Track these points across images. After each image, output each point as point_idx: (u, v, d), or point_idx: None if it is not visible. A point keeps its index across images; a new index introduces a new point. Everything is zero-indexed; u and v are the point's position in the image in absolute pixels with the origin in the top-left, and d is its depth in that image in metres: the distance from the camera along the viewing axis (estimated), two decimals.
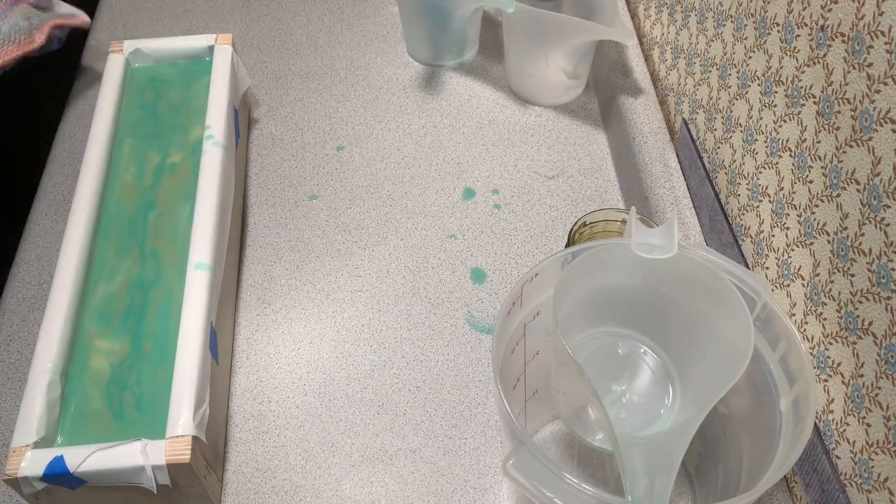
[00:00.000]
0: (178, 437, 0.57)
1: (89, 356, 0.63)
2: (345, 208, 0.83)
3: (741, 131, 0.66)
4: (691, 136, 0.76)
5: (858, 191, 0.49)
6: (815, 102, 0.54)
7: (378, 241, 0.80)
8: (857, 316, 0.49)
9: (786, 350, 0.52)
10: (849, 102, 0.49)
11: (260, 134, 0.90)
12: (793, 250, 0.58)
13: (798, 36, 0.55)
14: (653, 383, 0.60)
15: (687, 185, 0.76)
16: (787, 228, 0.58)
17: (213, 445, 0.63)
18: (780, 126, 0.59)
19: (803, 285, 0.56)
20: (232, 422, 0.68)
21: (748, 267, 0.65)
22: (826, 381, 0.54)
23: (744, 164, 0.65)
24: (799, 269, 0.57)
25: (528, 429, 0.66)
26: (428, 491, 0.64)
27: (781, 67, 0.58)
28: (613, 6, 0.81)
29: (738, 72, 0.66)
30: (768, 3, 0.60)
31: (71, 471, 0.55)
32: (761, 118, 0.62)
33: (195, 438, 0.57)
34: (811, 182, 0.54)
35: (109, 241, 0.70)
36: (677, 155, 0.78)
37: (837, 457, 0.52)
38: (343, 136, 0.90)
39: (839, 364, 0.52)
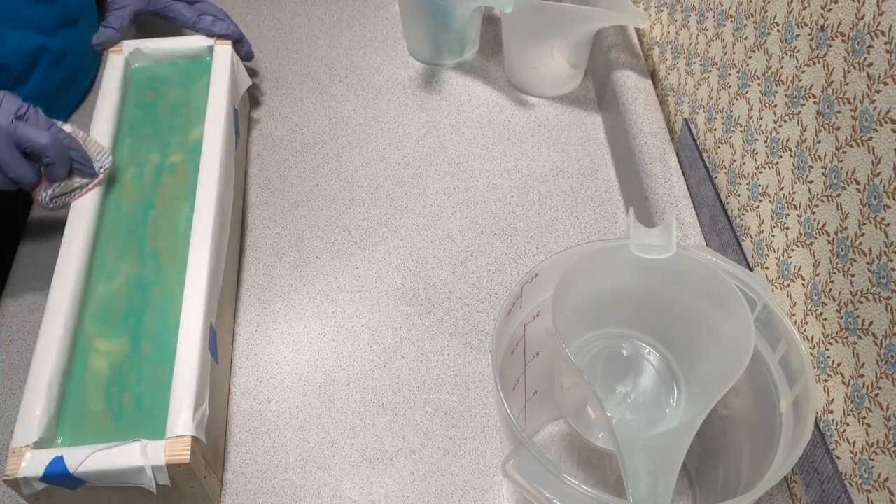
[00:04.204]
0: (177, 437, 0.57)
1: (89, 356, 0.63)
2: (345, 208, 0.83)
3: (741, 131, 0.66)
4: (692, 136, 0.75)
5: (858, 191, 0.48)
6: (815, 102, 0.54)
7: (378, 241, 0.80)
8: (858, 316, 0.49)
9: (786, 350, 0.52)
10: (849, 102, 0.49)
11: (260, 134, 0.90)
12: (793, 250, 0.57)
13: (798, 36, 0.55)
14: (658, 384, 0.60)
15: (687, 184, 0.76)
16: (788, 228, 0.58)
17: (212, 445, 0.63)
18: (781, 126, 0.59)
19: (803, 285, 0.56)
20: (232, 422, 0.68)
21: (749, 267, 0.65)
22: (826, 381, 0.54)
23: (744, 163, 0.65)
24: (799, 269, 0.57)
25: (527, 429, 0.66)
26: (428, 491, 0.64)
27: (781, 67, 0.58)
28: None
29: (738, 72, 0.66)
30: (768, 2, 0.60)
31: (71, 471, 0.55)
32: (761, 118, 0.62)
33: (195, 439, 0.57)
34: (811, 182, 0.54)
35: (109, 241, 0.70)
36: (677, 155, 0.78)
37: (837, 457, 0.52)
38: (343, 136, 0.90)
39: (839, 364, 0.52)
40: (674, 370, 0.60)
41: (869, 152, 0.47)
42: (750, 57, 0.63)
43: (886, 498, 0.47)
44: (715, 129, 0.71)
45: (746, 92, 0.64)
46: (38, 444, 0.56)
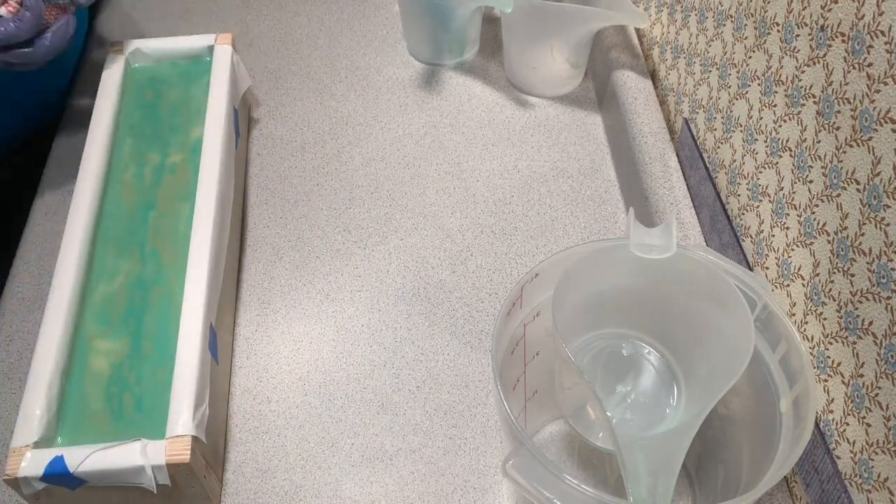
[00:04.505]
0: (177, 437, 0.57)
1: (89, 356, 0.63)
2: (345, 208, 0.83)
3: (741, 131, 0.66)
4: (692, 136, 0.75)
5: (858, 191, 0.49)
6: (815, 102, 0.54)
7: (378, 241, 0.80)
8: (857, 316, 0.49)
9: (786, 350, 0.52)
10: (849, 102, 0.49)
11: (260, 134, 0.90)
12: (793, 250, 0.57)
13: (798, 36, 0.55)
14: (658, 383, 0.60)
15: (687, 184, 0.76)
16: (787, 228, 0.58)
17: (212, 445, 0.63)
18: (780, 126, 0.59)
19: (803, 285, 0.56)
20: (232, 422, 0.68)
21: (749, 267, 0.65)
22: (826, 381, 0.54)
23: (744, 163, 0.65)
24: (799, 269, 0.57)
25: (527, 429, 0.66)
26: (428, 491, 0.64)
27: (781, 67, 0.58)
28: None
29: (738, 72, 0.66)
30: (768, 2, 0.60)
31: (71, 471, 0.55)
32: (761, 118, 0.62)
33: (195, 438, 0.57)
34: (811, 182, 0.54)
35: (109, 241, 0.70)
36: (677, 155, 0.78)
37: (837, 457, 0.52)
38: (343, 136, 0.90)
39: (839, 364, 0.52)
40: (674, 370, 0.60)
41: (869, 152, 0.47)
42: (750, 57, 0.63)
43: (886, 498, 0.47)
44: (715, 129, 0.71)
45: (746, 92, 0.64)
46: (38, 444, 0.56)
